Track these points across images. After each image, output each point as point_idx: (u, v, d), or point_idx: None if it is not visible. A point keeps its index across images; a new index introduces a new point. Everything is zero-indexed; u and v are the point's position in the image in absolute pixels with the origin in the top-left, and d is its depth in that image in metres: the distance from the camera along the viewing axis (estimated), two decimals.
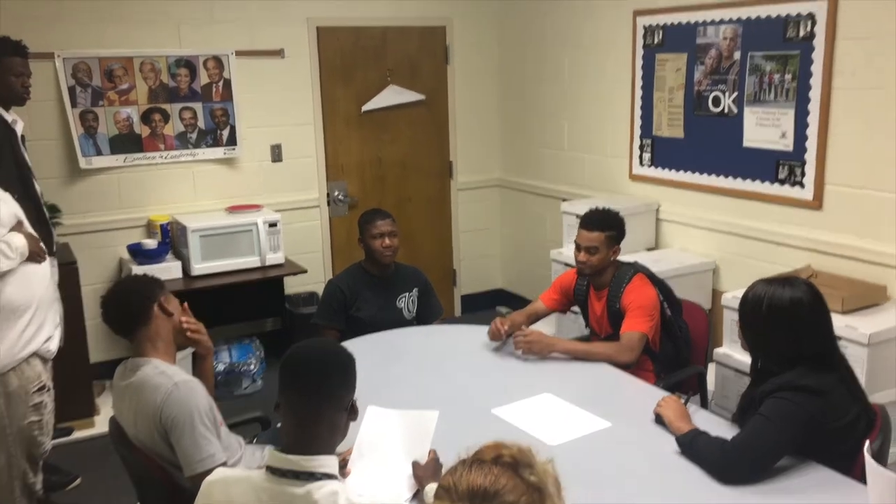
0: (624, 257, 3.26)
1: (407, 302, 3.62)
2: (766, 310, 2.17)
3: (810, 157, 3.61)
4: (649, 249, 4.43)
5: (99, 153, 4.47)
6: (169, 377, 2.21)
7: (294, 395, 1.73)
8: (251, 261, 4.53)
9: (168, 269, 4.32)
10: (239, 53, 4.74)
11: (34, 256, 2.87)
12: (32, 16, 4.21)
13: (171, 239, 4.57)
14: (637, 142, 4.57)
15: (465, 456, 1.32)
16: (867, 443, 1.63)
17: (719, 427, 2.32)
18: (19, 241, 2.80)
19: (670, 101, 4.31)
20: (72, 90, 4.35)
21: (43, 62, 4.23)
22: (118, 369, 2.38)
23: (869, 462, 1.54)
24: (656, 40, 4.34)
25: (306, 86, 5.02)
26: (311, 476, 1.65)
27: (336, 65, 5.11)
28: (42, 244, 2.97)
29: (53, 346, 2.99)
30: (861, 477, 2.05)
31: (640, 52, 4.45)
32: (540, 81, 5.29)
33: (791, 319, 2.14)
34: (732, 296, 3.48)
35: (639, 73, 4.47)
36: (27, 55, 3.52)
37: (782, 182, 3.76)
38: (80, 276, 4.02)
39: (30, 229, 2.94)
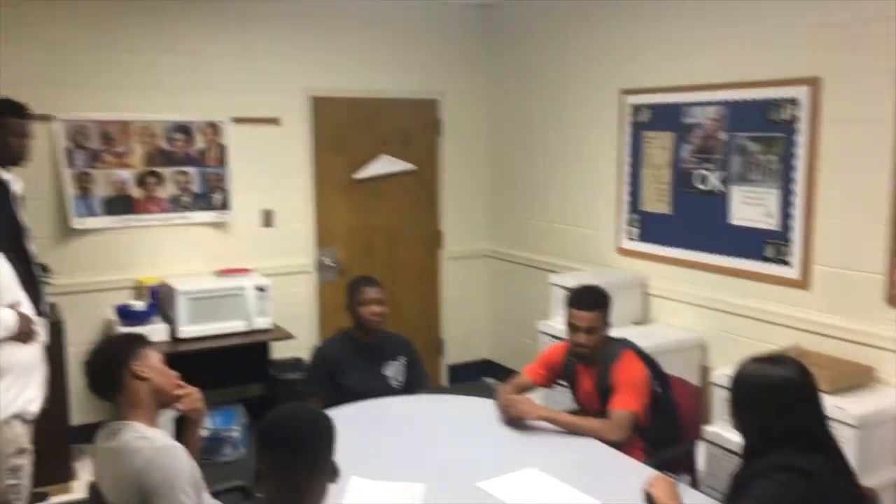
0: (612, 332, 3.27)
1: (394, 370, 3.60)
2: (757, 389, 2.17)
3: (796, 236, 3.68)
4: (637, 324, 4.44)
5: (92, 214, 4.49)
6: (150, 442, 2.17)
7: (274, 463, 1.72)
8: (238, 325, 4.51)
9: (154, 332, 4.27)
10: (235, 120, 4.82)
11: (23, 336, 2.84)
12: (33, 80, 4.27)
13: (160, 301, 4.54)
14: (625, 216, 4.63)
15: None
16: None
17: None
18: (8, 316, 2.78)
19: (658, 177, 4.39)
20: (69, 151, 4.39)
21: (42, 124, 4.27)
22: (99, 433, 2.34)
23: None
24: (644, 119, 4.45)
25: (300, 153, 5.10)
26: None
27: (330, 133, 5.20)
28: (34, 324, 2.94)
29: (35, 407, 2.94)
30: None
31: (627, 129, 4.56)
32: (529, 155, 5.39)
33: (782, 399, 2.14)
34: (721, 373, 3.48)
35: (626, 149, 4.57)
36: (29, 116, 3.56)
37: (769, 260, 3.81)
38: (65, 336, 3.98)
39: (26, 309, 2.91)
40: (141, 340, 2.39)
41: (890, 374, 3.33)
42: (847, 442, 2.98)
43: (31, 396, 2.90)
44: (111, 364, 2.29)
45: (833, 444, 2.19)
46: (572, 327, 3.13)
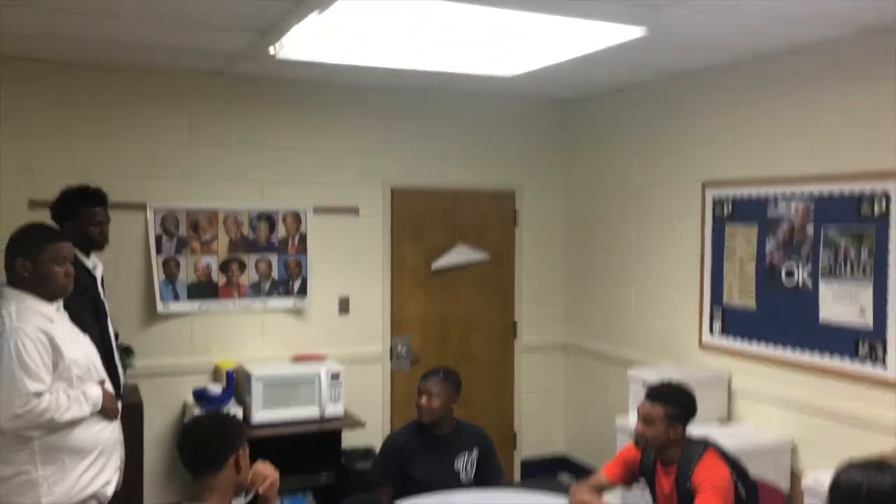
0: (694, 430, 3.12)
1: (465, 463, 3.52)
2: (867, 497, 2.01)
3: (892, 334, 3.48)
4: (721, 423, 4.23)
5: (177, 299, 4.64)
6: None
7: None
8: (311, 411, 4.51)
9: None
10: (316, 210, 4.97)
11: (106, 413, 2.91)
12: (130, 171, 4.54)
13: (236, 385, 4.61)
14: (707, 310, 4.50)
15: None
16: None
17: None
18: (96, 392, 2.86)
19: (741, 271, 4.27)
20: (158, 239, 4.59)
21: (133, 213, 4.51)
22: None
23: None
24: (726, 212, 4.37)
25: (377, 242, 5.19)
26: None
27: (407, 223, 5.29)
28: (116, 403, 3.02)
29: (111, 490, 2.97)
30: None
31: (709, 222, 4.48)
32: (607, 247, 5.34)
33: None
34: (814, 478, 3.26)
35: (708, 242, 4.48)
36: (105, 203, 3.68)
37: (863, 360, 3.61)
38: (144, 418, 4.06)
39: (110, 387, 3.00)
40: (244, 426, 2.44)
41: None
42: None
43: (108, 479, 2.93)
44: (224, 445, 2.31)
45: None
46: (638, 416, 3.05)
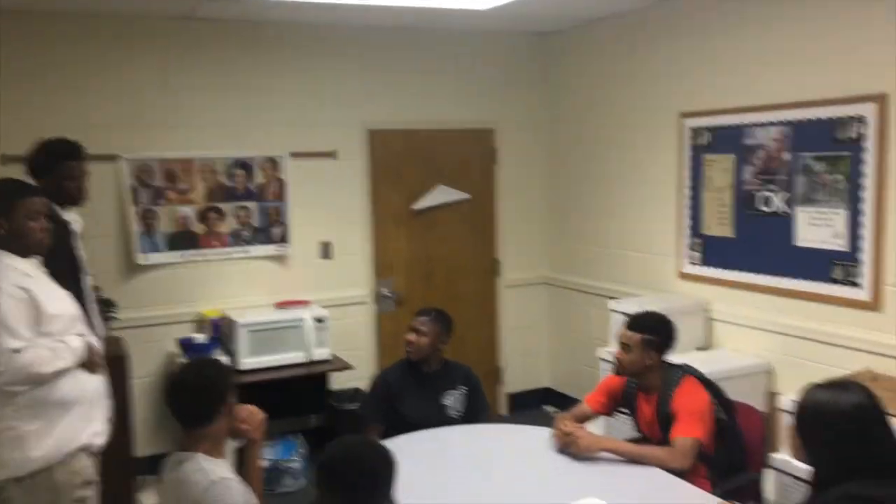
0: (674, 358, 3.19)
1: (453, 400, 3.58)
2: (832, 417, 2.07)
3: (866, 256, 3.54)
4: (700, 349, 4.32)
5: (156, 250, 4.62)
6: (206, 474, 2.18)
7: (336, 497, 1.70)
8: (298, 355, 4.55)
9: None
10: (294, 155, 4.92)
11: (90, 366, 2.91)
12: (101, 122, 4.46)
13: (221, 334, 4.63)
14: (686, 240, 4.54)
15: None
16: None
17: None
18: (77, 343, 2.85)
19: (719, 200, 4.30)
20: (134, 190, 4.54)
21: (107, 164, 4.45)
22: (166, 463, 2.37)
23: None
24: (703, 142, 4.37)
25: (357, 185, 5.17)
26: None
27: (386, 165, 5.26)
28: (100, 354, 3.01)
29: (101, 440, 3.00)
30: None
31: (687, 152, 4.48)
32: (586, 181, 5.35)
33: (855, 426, 2.05)
34: (789, 398, 3.34)
35: (686, 173, 4.50)
36: (82, 157, 3.57)
37: (837, 282, 3.67)
38: (130, 369, 4.08)
39: (92, 340, 2.98)
40: (233, 372, 2.41)
41: None
42: None
43: (97, 429, 2.95)
44: (214, 397, 2.29)
45: None
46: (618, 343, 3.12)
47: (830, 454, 2.09)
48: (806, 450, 2.14)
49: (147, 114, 4.59)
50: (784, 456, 3.33)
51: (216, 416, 2.29)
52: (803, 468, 3.15)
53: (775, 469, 3.35)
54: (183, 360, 4.38)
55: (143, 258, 4.58)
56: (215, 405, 2.29)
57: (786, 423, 3.33)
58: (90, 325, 3.29)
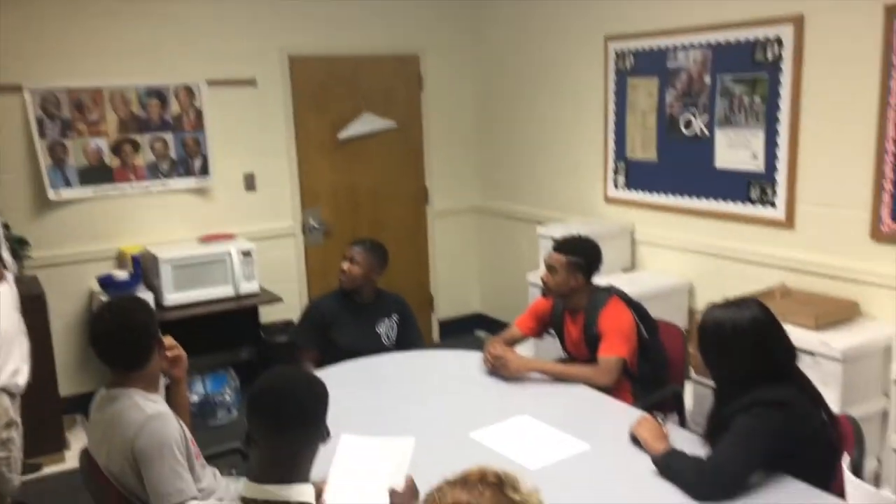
0: (600, 280, 3.26)
1: (387, 328, 3.60)
2: (731, 332, 2.19)
3: (781, 177, 3.66)
4: (625, 271, 4.44)
5: (68, 185, 4.41)
6: (142, 410, 2.15)
7: (267, 429, 1.69)
8: (225, 290, 4.48)
9: None
10: (210, 83, 4.72)
11: None
12: (1, 51, 4.17)
13: (143, 270, 4.50)
14: (611, 165, 4.60)
15: (450, 478, 1.30)
16: (846, 459, 1.63)
17: (696, 445, 2.30)
18: None
19: (643, 124, 4.35)
20: (40, 122, 4.30)
21: (11, 95, 4.19)
22: (95, 400, 2.31)
23: (848, 476, 1.54)
24: (628, 66, 4.39)
25: (279, 115, 5.02)
26: None
27: (309, 94, 5.12)
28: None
29: (21, 380, 2.92)
30: (832, 489, 2.06)
31: (612, 76, 4.50)
32: (514, 107, 5.33)
33: (754, 339, 2.17)
34: None
35: (611, 97, 4.52)
36: None
37: (754, 202, 3.80)
38: (49, 309, 3.95)
39: None
40: (153, 311, 2.32)
41: (874, 308, 3.34)
42: (833, 376, 3.01)
43: (14, 368, 2.87)
44: (142, 336, 2.22)
45: (799, 373, 2.24)
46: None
47: (732, 366, 2.22)
48: (709, 365, 2.27)
49: (52, 41, 4.31)
50: None
51: (151, 357, 2.24)
52: None
53: (695, 382, 3.51)
54: (103, 300, 4.25)
55: (54, 194, 4.38)
56: (150, 347, 2.24)
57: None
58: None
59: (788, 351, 2.23)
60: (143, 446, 2.07)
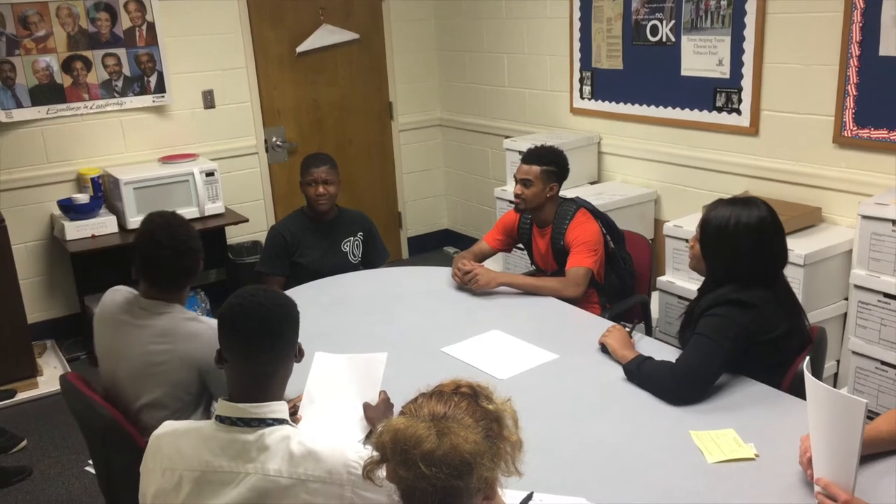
0: (566, 192, 3.27)
1: (352, 246, 3.59)
2: (735, 229, 2.20)
3: (746, 83, 3.65)
4: (592, 183, 4.45)
5: (19, 105, 4.25)
6: (206, 324, 2.25)
7: (241, 349, 1.69)
8: (190, 212, 4.40)
9: (103, 224, 4.19)
10: None
11: None
12: None
13: (104, 192, 4.41)
14: (577, 75, 4.54)
15: (424, 391, 1.33)
16: (806, 359, 1.68)
17: (662, 352, 2.37)
18: None
19: (609, 31, 4.28)
20: None
21: None
22: (118, 304, 2.32)
23: (808, 377, 1.59)
24: None
25: (235, 28, 4.84)
26: (262, 422, 1.63)
27: (266, 5, 4.93)
28: None
29: None
30: (790, 390, 2.14)
31: None
32: (477, 17, 5.19)
33: (756, 239, 2.19)
34: (674, 224, 3.53)
35: (576, 3, 4.42)
36: None
37: (720, 110, 3.79)
38: (9, 234, 3.87)
39: None
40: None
41: (836, 212, 3.40)
42: (795, 280, 3.08)
43: None
44: (195, 252, 2.30)
45: (782, 280, 2.27)
46: (515, 181, 3.15)
47: (725, 261, 2.24)
48: (706, 259, 2.29)
49: None
50: (669, 278, 3.56)
51: (196, 273, 2.34)
52: (686, 288, 3.40)
53: (661, 291, 3.58)
54: (66, 221, 4.16)
55: (4, 115, 4.22)
56: (197, 262, 2.32)
57: (671, 247, 3.54)
58: None
59: (783, 257, 2.25)
60: (210, 357, 2.06)
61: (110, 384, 2.33)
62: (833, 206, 3.41)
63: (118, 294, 2.39)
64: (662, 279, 3.58)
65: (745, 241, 2.19)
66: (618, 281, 3.16)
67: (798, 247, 3.12)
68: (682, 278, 3.48)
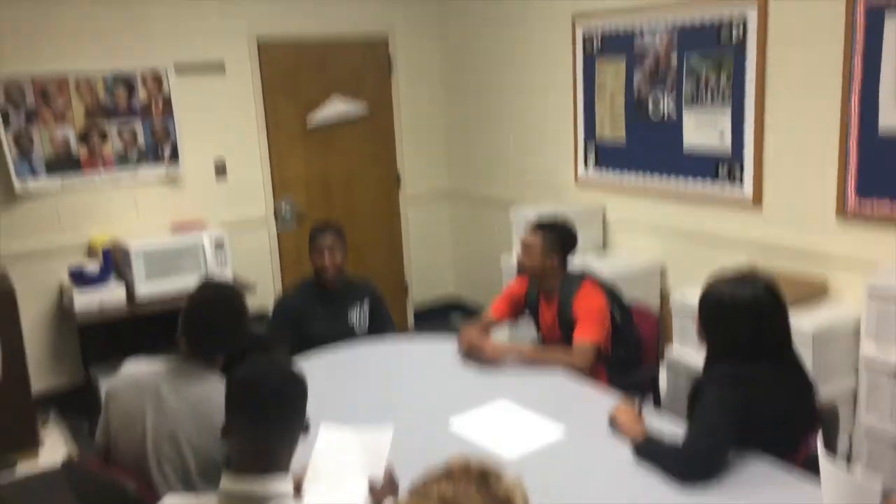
0: (574, 262, 3.28)
1: (358, 315, 3.59)
2: (731, 306, 2.22)
3: (748, 156, 3.70)
4: (598, 252, 4.47)
5: (36, 176, 4.34)
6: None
7: (252, 422, 1.69)
8: (197, 279, 4.43)
9: (112, 293, 4.21)
10: (178, 69, 4.65)
11: None
12: None
13: (114, 262, 4.45)
14: (581, 146, 4.62)
15: (433, 471, 1.32)
16: (819, 439, 1.67)
17: (672, 427, 2.34)
18: None
19: (612, 105, 4.37)
20: (4, 112, 4.21)
21: None
22: (158, 376, 2.30)
23: (822, 460, 1.57)
24: (595, 46, 4.40)
25: (249, 101, 4.96)
26: (266, 500, 1.62)
27: (278, 78, 5.06)
28: None
29: None
30: (805, 465, 2.11)
31: (580, 57, 4.50)
32: (484, 89, 5.32)
33: (751, 316, 2.19)
34: (680, 295, 3.53)
35: (580, 78, 4.53)
36: None
37: (722, 182, 3.84)
38: (17, 302, 3.89)
39: None
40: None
41: (842, 287, 3.40)
42: (804, 355, 3.06)
43: None
44: (242, 326, 2.35)
45: (795, 359, 2.26)
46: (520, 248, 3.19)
47: (722, 338, 2.25)
48: (706, 336, 2.31)
49: (11, 25, 4.21)
50: (676, 350, 3.54)
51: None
52: (693, 361, 3.37)
53: (669, 362, 3.56)
54: (76, 291, 4.18)
55: (21, 186, 4.30)
56: (243, 334, 2.35)
57: (678, 319, 3.53)
58: None
59: (785, 334, 2.25)
60: None
61: (130, 452, 2.27)
62: (838, 279, 3.41)
63: (143, 365, 2.36)
64: (670, 350, 3.57)
65: (742, 319, 2.20)
66: (625, 353, 3.15)
67: (804, 322, 3.11)
68: (689, 351, 3.46)
